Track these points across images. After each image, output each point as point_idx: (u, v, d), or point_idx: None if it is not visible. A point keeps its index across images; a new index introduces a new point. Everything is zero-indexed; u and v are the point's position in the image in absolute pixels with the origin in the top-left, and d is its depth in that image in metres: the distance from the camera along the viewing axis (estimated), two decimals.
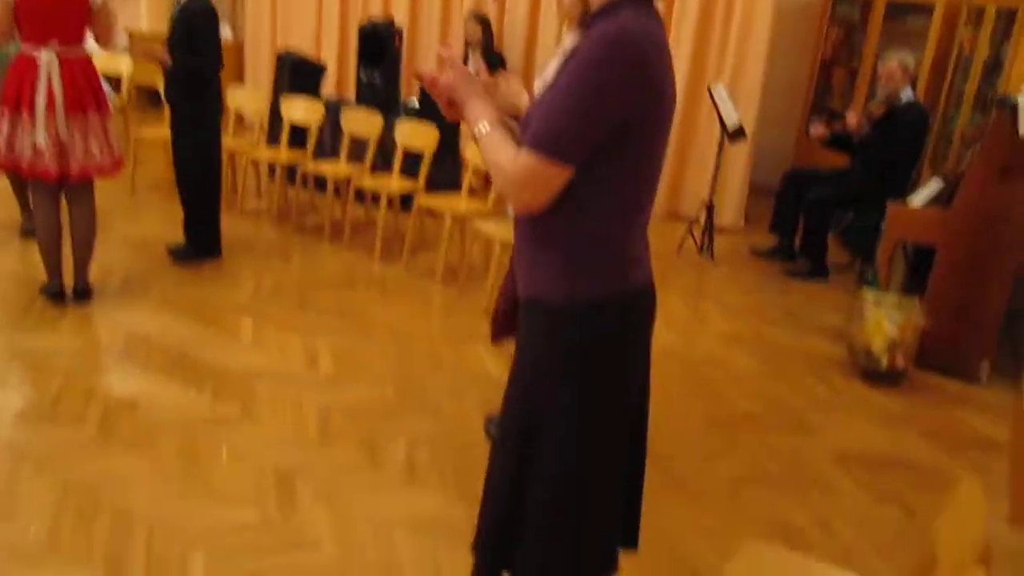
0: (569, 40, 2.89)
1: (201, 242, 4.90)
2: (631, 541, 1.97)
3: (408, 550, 2.58)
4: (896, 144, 5.24)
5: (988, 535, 1.54)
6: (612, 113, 1.51)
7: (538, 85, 2.92)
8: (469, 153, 4.96)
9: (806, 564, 2.01)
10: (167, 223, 5.38)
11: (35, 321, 3.96)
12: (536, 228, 1.67)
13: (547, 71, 2.91)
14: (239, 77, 8.49)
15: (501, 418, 1.83)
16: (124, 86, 6.51)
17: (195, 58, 4.49)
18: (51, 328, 3.91)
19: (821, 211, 5.52)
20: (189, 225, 4.88)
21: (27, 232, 4.89)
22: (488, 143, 1.64)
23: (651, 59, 1.53)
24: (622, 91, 1.50)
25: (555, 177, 1.55)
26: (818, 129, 5.63)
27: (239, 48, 8.65)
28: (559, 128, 1.52)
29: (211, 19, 4.54)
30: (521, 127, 1.70)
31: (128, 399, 3.34)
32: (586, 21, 1.66)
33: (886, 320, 4.06)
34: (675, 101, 1.65)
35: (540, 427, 1.71)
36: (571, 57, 1.58)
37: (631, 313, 1.71)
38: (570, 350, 1.66)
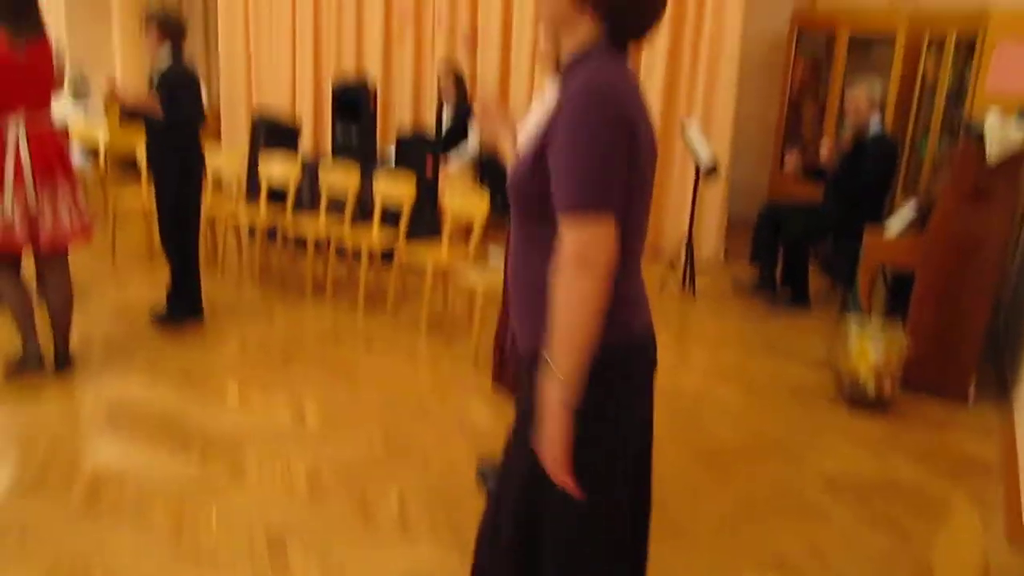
0: (551, 87, 2.95)
1: (185, 304, 4.87)
2: None
3: None
4: (866, 174, 5.32)
5: (987, 555, 1.54)
6: (619, 150, 1.52)
7: (524, 133, 2.96)
8: (448, 202, 5.00)
9: None
10: (149, 289, 5.38)
11: (17, 391, 3.93)
12: (536, 283, 1.66)
13: (529, 121, 2.96)
14: (216, 139, 8.55)
15: (503, 474, 1.81)
16: (102, 154, 6.54)
17: (181, 110, 4.52)
18: (33, 398, 3.88)
19: (799, 242, 5.59)
20: (174, 288, 4.85)
21: None
22: (561, 332, 1.56)
23: (626, 102, 1.55)
24: (615, 133, 1.52)
25: (605, 228, 1.52)
26: (790, 159, 5.73)
27: (215, 111, 8.72)
28: (581, 182, 1.52)
29: (193, 83, 4.59)
30: (511, 190, 1.71)
31: (114, 468, 3.30)
32: (559, 70, 1.71)
33: (870, 346, 4.09)
34: (655, 142, 1.68)
35: (545, 484, 1.68)
36: (555, 114, 1.60)
37: (636, 361, 1.71)
38: (587, 397, 1.62)
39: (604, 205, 1.52)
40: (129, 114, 4.88)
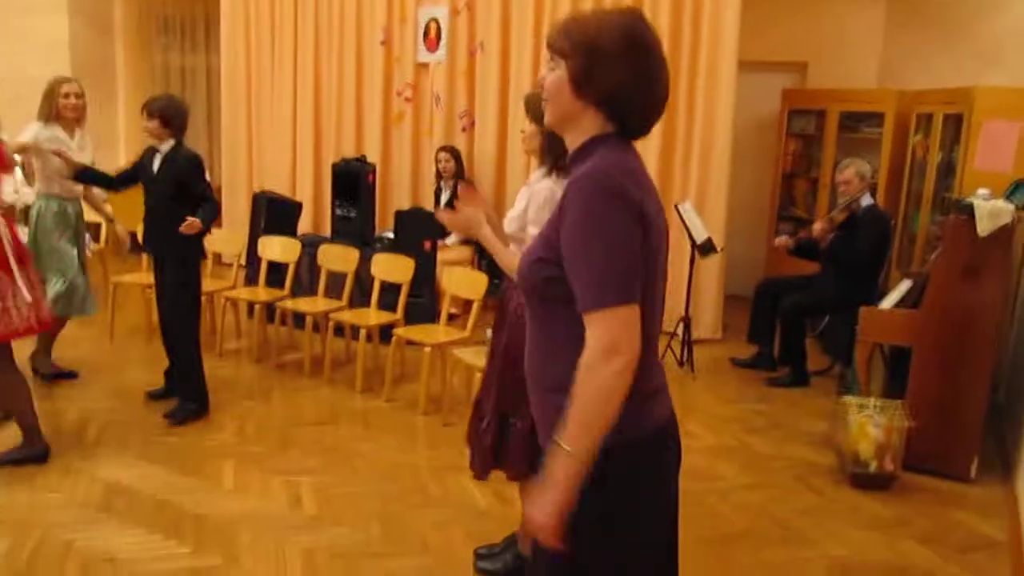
0: (536, 176, 3.01)
1: (198, 399, 4.72)
2: None
3: None
4: (860, 249, 5.36)
5: None
6: (631, 237, 1.54)
7: (509, 217, 3.01)
8: (445, 282, 5.02)
9: None
10: (146, 370, 5.36)
11: (9, 475, 3.88)
12: (555, 376, 1.64)
13: (517, 205, 3.01)
14: (217, 219, 8.63)
15: (533, 566, 1.77)
16: (103, 232, 6.60)
17: (210, 207, 4.51)
18: (27, 482, 3.83)
19: (796, 318, 5.60)
20: (186, 383, 4.71)
21: None
22: (581, 414, 1.55)
23: (629, 188, 1.57)
24: (624, 220, 1.54)
25: (629, 316, 1.53)
26: (782, 241, 5.81)
27: (216, 191, 8.82)
28: (600, 280, 1.53)
29: (201, 168, 4.60)
30: (520, 281, 1.72)
31: (107, 554, 3.25)
32: (562, 165, 1.75)
33: (870, 424, 4.07)
34: (665, 222, 1.69)
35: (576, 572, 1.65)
36: (561, 204, 1.61)
37: (658, 452, 1.70)
38: (605, 495, 1.61)
39: (626, 296, 1.53)
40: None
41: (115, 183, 4.81)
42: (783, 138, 7.55)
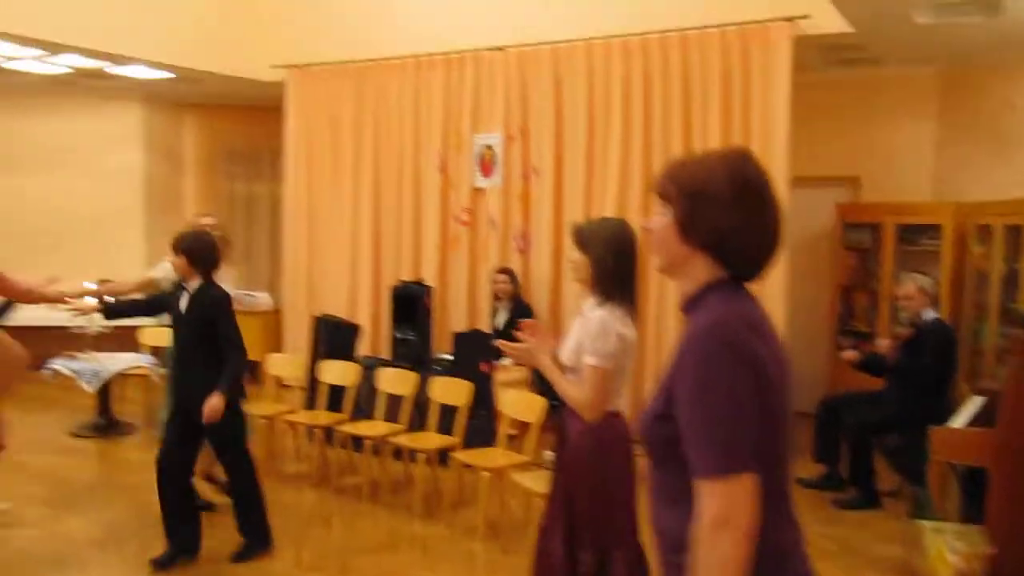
0: (588, 305, 3.04)
1: (262, 536, 4.53)
2: None
3: None
4: (926, 363, 5.25)
5: None
6: (748, 398, 1.49)
7: (566, 348, 3.03)
8: (502, 404, 5.02)
9: None
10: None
11: None
12: (673, 532, 1.60)
13: (572, 336, 3.04)
14: (277, 342, 8.81)
15: None
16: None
17: (235, 359, 4.27)
18: None
19: (863, 436, 5.45)
20: (249, 524, 4.52)
21: None
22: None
23: (749, 339, 1.53)
24: (740, 378, 1.49)
25: (746, 488, 1.48)
26: (849, 354, 5.71)
27: (276, 314, 9.03)
28: (715, 445, 1.48)
29: (228, 308, 4.36)
30: (643, 438, 1.67)
31: None
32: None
33: (947, 550, 3.88)
34: (788, 371, 1.62)
35: None
36: (678, 358, 1.57)
37: None
38: None
39: (742, 465, 1.47)
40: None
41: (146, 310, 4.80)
42: (839, 251, 7.52)
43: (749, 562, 1.48)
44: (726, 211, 1.58)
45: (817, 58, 6.79)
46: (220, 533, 4.55)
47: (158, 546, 4.30)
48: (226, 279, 4.93)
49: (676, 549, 1.60)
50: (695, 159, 1.68)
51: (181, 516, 4.35)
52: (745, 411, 1.49)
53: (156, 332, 6.48)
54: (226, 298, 4.37)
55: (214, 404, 4.14)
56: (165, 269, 4.91)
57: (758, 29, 6.27)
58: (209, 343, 4.28)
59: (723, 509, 1.47)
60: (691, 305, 1.64)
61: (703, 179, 1.61)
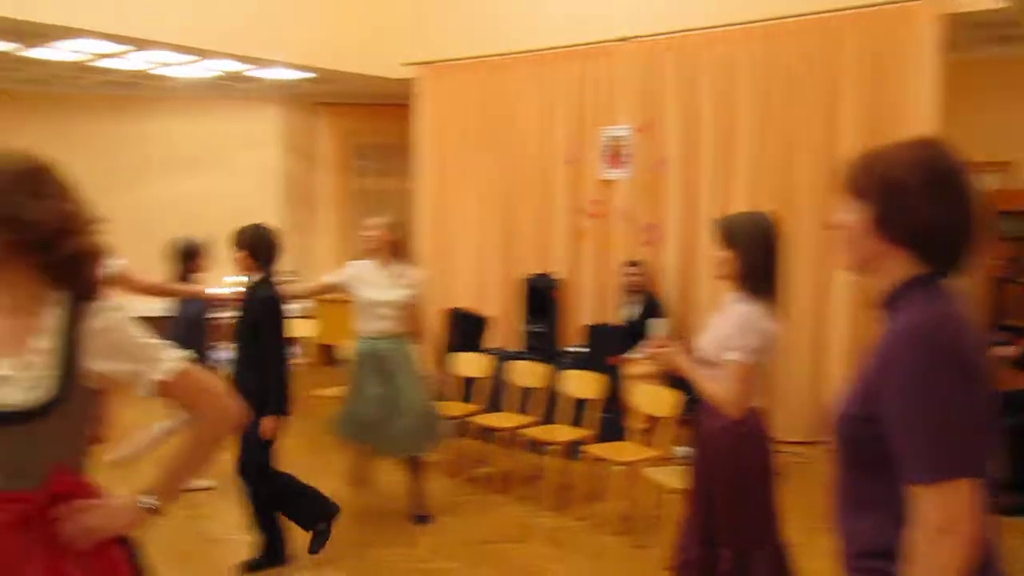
0: (729, 299, 2.97)
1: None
2: None
3: None
4: None
5: None
6: (963, 399, 1.44)
7: (707, 341, 2.97)
8: (633, 398, 4.97)
9: None
10: (340, 479, 5.54)
11: None
12: (865, 537, 1.55)
13: (714, 331, 2.97)
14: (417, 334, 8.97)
15: None
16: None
17: (274, 369, 4.00)
18: None
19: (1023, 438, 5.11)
20: (293, 513, 4.28)
21: None
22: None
23: (957, 340, 1.47)
24: (954, 380, 1.43)
25: (968, 492, 1.42)
26: (1006, 351, 5.38)
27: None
28: (932, 448, 1.43)
29: (274, 311, 4.09)
30: (840, 439, 1.61)
31: None
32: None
33: None
34: (990, 370, 1.55)
35: None
36: (879, 359, 1.52)
37: None
38: None
39: (963, 470, 1.42)
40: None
41: None
42: (992, 243, 7.09)
43: (969, 568, 1.42)
44: (927, 204, 1.51)
45: (966, 36, 6.41)
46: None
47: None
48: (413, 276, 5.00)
49: (867, 555, 1.54)
50: (887, 151, 1.59)
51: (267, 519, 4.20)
52: (964, 414, 1.43)
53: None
54: (272, 300, 4.10)
55: (265, 430, 3.96)
56: (348, 270, 4.93)
57: (901, 9, 5.97)
58: (254, 345, 4.06)
59: (946, 515, 1.41)
60: (891, 303, 1.57)
61: (901, 172, 1.53)
